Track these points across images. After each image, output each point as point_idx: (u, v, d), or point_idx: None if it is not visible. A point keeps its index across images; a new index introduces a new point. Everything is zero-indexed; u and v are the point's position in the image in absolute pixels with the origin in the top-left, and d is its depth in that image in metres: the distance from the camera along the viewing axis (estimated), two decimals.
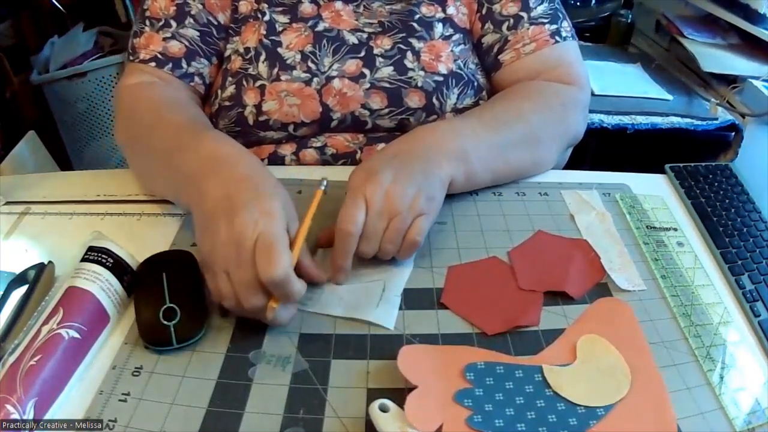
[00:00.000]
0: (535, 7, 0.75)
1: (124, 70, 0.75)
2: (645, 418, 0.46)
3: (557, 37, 0.75)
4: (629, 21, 1.54)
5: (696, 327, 0.54)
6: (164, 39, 0.72)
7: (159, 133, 0.63)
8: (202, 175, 0.54)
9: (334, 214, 0.56)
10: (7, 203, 0.68)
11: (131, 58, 0.73)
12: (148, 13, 0.73)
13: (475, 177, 0.66)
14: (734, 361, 0.51)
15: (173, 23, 0.72)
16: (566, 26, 0.76)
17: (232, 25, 0.75)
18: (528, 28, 0.74)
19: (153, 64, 0.71)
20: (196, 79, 0.74)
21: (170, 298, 0.51)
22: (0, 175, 0.85)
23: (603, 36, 1.57)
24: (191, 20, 0.73)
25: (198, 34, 0.73)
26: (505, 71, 0.76)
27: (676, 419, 0.46)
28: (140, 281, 0.54)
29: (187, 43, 0.72)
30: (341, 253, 0.56)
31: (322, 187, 0.59)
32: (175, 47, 0.72)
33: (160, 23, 0.72)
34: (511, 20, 0.75)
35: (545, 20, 0.75)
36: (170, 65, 0.72)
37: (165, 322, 0.50)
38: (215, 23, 0.74)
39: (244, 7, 0.75)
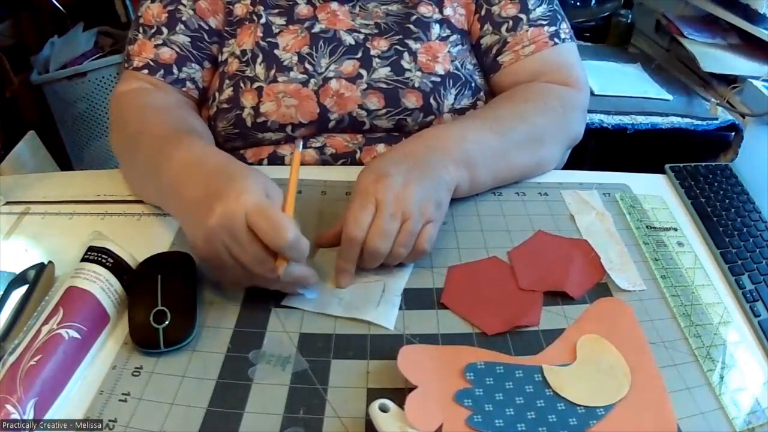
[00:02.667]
0: (534, 9, 0.75)
1: (121, 77, 0.76)
2: (645, 418, 0.46)
3: (556, 39, 0.75)
4: (629, 21, 1.53)
5: (696, 327, 0.54)
6: (156, 46, 0.73)
7: (142, 143, 0.63)
8: (177, 183, 0.54)
9: (335, 215, 0.56)
10: (7, 203, 0.68)
11: (126, 65, 0.74)
12: (141, 20, 0.75)
13: (479, 183, 0.66)
14: (734, 361, 0.51)
15: (165, 30, 0.73)
16: (565, 28, 0.76)
17: (227, 28, 0.76)
18: (527, 30, 0.75)
19: (146, 71, 0.72)
20: (188, 84, 0.74)
21: (162, 300, 0.51)
22: (0, 175, 0.85)
23: (603, 36, 1.57)
24: (182, 26, 0.74)
25: (189, 39, 0.74)
26: (505, 73, 0.76)
27: (676, 419, 0.46)
28: (136, 282, 0.54)
29: (177, 50, 0.73)
30: (347, 257, 0.55)
31: (299, 149, 0.57)
32: (166, 54, 0.73)
33: (153, 30, 0.73)
34: (510, 22, 0.75)
35: (544, 22, 0.75)
36: (162, 72, 0.73)
37: (155, 325, 0.50)
38: (206, 28, 0.75)
39: (239, 10, 0.75)
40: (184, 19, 0.74)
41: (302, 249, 0.48)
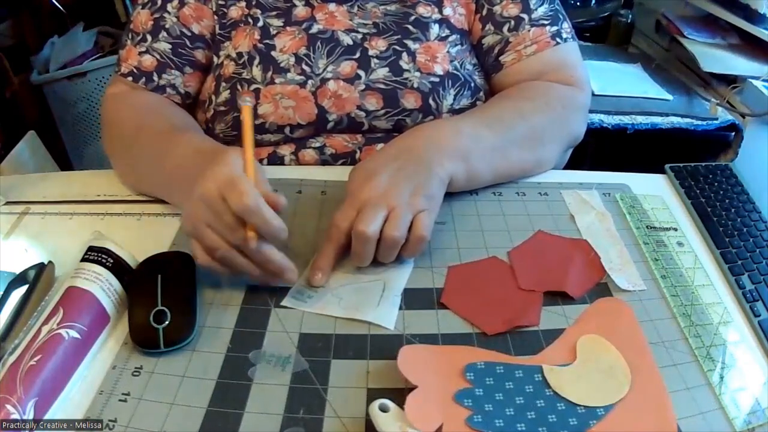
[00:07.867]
0: (536, 9, 0.75)
1: (111, 79, 0.78)
2: (645, 418, 0.46)
3: (558, 39, 0.75)
4: (629, 21, 1.54)
5: (696, 327, 0.54)
6: (140, 53, 0.75)
7: (141, 139, 0.67)
8: (179, 172, 0.59)
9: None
10: (7, 203, 0.68)
11: (116, 69, 0.77)
12: (131, 26, 0.76)
13: (476, 176, 0.66)
14: (734, 361, 0.51)
15: (149, 38, 0.75)
16: (566, 27, 0.76)
17: (220, 31, 0.76)
18: (529, 30, 0.75)
19: (130, 78, 0.75)
20: (168, 90, 0.76)
21: (162, 300, 0.51)
22: (0, 175, 0.85)
23: (603, 36, 1.58)
24: (165, 34, 0.75)
25: (170, 46, 0.75)
26: (507, 72, 0.76)
27: (676, 419, 0.46)
28: (136, 282, 0.54)
29: (158, 57, 0.74)
30: (326, 252, 0.57)
31: (247, 102, 0.58)
32: (148, 61, 0.74)
33: (139, 37, 0.75)
34: (512, 22, 0.75)
35: (546, 22, 0.75)
36: (143, 79, 0.75)
37: (155, 325, 0.50)
38: (189, 34, 0.76)
39: (234, 13, 0.75)
40: (167, 26, 0.75)
41: (266, 217, 0.49)
